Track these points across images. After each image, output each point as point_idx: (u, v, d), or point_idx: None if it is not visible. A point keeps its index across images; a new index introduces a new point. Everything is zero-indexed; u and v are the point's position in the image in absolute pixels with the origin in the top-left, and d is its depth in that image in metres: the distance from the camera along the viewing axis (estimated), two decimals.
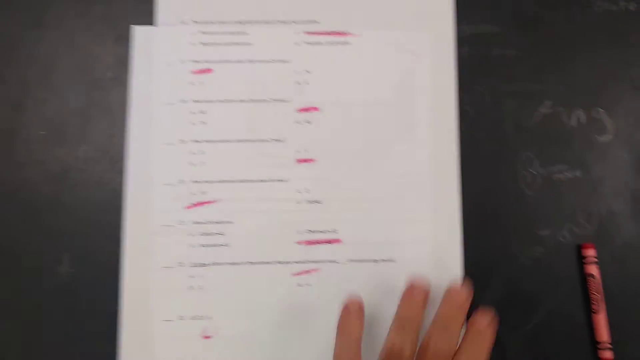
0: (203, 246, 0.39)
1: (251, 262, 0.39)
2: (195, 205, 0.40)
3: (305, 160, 0.41)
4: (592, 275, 0.40)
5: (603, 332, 0.40)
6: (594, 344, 0.40)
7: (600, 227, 0.41)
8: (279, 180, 0.40)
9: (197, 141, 0.40)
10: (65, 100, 0.41)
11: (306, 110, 0.41)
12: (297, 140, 0.41)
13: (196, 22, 0.41)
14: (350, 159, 0.41)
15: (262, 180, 0.40)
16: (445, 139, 0.41)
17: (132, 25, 0.41)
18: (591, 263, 0.41)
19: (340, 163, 0.41)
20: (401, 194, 0.41)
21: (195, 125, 0.40)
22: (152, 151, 0.40)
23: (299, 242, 0.40)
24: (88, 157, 0.40)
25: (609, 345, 0.40)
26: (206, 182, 0.40)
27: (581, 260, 0.41)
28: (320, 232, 0.40)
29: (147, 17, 0.41)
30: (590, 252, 0.41)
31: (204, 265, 0.39)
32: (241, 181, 0.40)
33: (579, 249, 0.41)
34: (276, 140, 0.41)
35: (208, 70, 0.41)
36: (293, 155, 0.41)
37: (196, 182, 0.40)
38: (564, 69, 0.42)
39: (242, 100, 0.41)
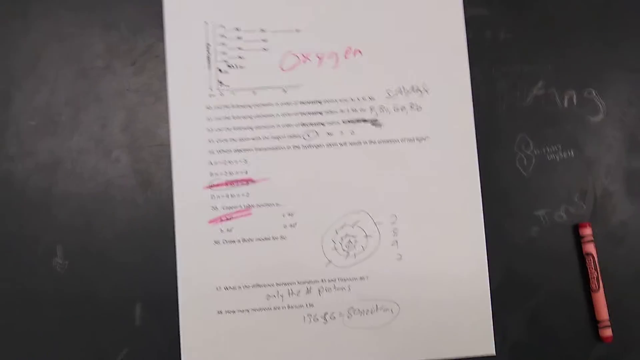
0: None
1: None
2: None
3: None
4: (590, 254, 0.41)
5: (602, 311, 0.40)
6: (594, 323, 0.41)
7: (596, 206, 0.42)
8: None
9: None
10: (54, 90, 0.40)
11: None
12: None
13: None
14: None
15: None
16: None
17: None
18: (588, 242, 0.41)
19: None
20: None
21: None
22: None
23: None
24: (81, 147, 0.40)
25: (609, 323, 0.40)
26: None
27: (578, 239, 0.41)
28: None
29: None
30: (587, 231, 0.41)
31: None
32: None
33: (576, 228, 0.41)
34: None
35: None
36: None
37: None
38: (556, 50, 0.42)
39: None
